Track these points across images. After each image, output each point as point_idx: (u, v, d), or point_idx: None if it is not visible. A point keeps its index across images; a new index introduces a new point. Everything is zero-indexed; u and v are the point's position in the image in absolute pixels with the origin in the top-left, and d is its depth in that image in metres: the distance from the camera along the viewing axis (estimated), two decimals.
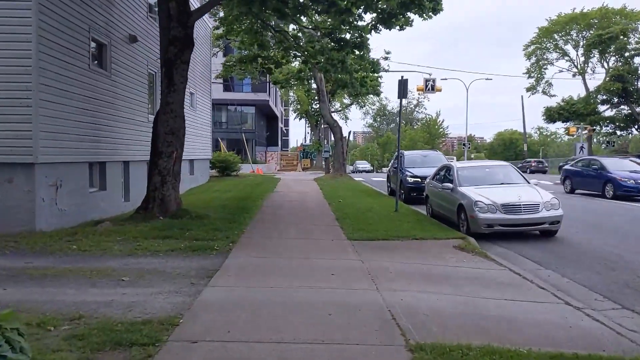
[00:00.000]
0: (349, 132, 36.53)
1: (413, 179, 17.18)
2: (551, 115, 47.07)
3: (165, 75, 10.78)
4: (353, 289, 6.07)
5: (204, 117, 23.03)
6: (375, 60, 15.55)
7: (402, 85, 13.06)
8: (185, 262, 7.33)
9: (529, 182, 11.52)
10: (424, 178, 16.97)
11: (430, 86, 30.20)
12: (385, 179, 22.22)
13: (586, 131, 31.88)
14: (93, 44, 11.66)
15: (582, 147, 28.75)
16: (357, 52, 13.20)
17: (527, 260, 8.55)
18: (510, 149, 72.08)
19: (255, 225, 10.79)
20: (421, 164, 18.07)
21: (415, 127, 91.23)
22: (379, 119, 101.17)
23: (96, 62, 12.02)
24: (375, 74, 15.67)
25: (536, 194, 10.51)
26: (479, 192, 10.67)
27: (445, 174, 12.60)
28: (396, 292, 5.88)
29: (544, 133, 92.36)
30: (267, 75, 45.44)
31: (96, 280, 6.22)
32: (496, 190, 10.84)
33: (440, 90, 31.39)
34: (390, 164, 23.81)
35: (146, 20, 14.92)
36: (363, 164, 64.61)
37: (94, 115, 11.52)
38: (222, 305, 5.35)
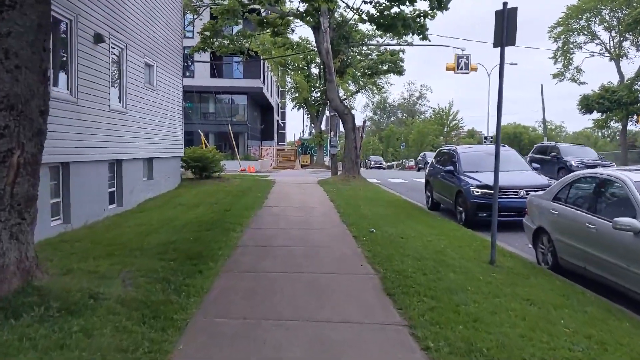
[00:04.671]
0: (363, 122, 29.70)
1: (481, 192, 11.04)
2: (588, 104, 40.54)
3: None
4: None
5: (170, 100, 16.78)
6: None
7: (507, 20, 6.84)
8: None
9: None
10: (499, 190, 10.92)
11: (463, 64, 23.92)
12: (423, 186, 15.73)
13: None
14: None
15: None
16: None
17: None
18: (514, 143, 66.38)
19: (206, 323, 4.61)
20: (488, 166, 11.88)
21: (419, 120, 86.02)
22: (379, 112, 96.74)
23: None
24: (441, 11, 9.33)
25: None
26: None
27: (597, 191, 6.46)
28: None
29: (549, 127, 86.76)
30: (261, 58, 39.31)
31: None
32: None
33: (475, 70, 25.30)
34: (428, 163, 17.52)
35: None
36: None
37: None
38: None
